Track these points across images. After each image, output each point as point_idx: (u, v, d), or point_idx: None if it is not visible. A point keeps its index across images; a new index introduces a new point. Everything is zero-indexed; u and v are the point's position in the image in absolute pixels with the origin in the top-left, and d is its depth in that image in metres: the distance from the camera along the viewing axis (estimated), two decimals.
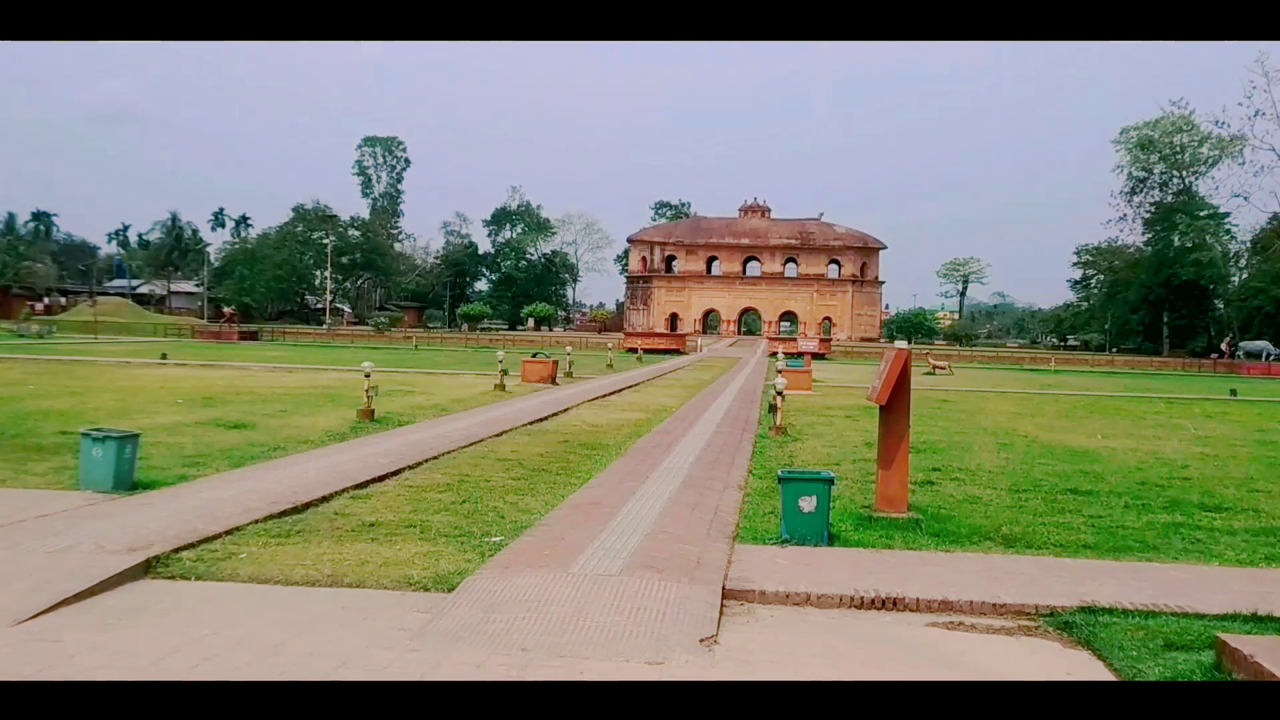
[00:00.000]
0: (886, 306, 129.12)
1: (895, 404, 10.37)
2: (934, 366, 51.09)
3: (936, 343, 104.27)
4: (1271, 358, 71.20)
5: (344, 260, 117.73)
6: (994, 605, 7.42)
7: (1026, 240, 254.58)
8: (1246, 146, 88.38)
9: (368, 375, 19.04)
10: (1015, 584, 7.93)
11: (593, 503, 10.70)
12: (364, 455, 13.54)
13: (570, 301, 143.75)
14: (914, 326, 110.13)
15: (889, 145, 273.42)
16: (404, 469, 12.66)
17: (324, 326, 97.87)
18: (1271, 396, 37.49)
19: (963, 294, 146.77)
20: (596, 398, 25.95)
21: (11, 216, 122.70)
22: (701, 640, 6.42)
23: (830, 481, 9.34)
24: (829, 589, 7.64)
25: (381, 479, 11.91)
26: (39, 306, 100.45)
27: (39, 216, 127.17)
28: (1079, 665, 6.37)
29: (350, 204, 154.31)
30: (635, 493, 11.38)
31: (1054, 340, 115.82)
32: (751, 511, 10.68)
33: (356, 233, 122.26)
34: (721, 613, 7.13)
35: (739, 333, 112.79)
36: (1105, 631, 6.83)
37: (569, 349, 40.47)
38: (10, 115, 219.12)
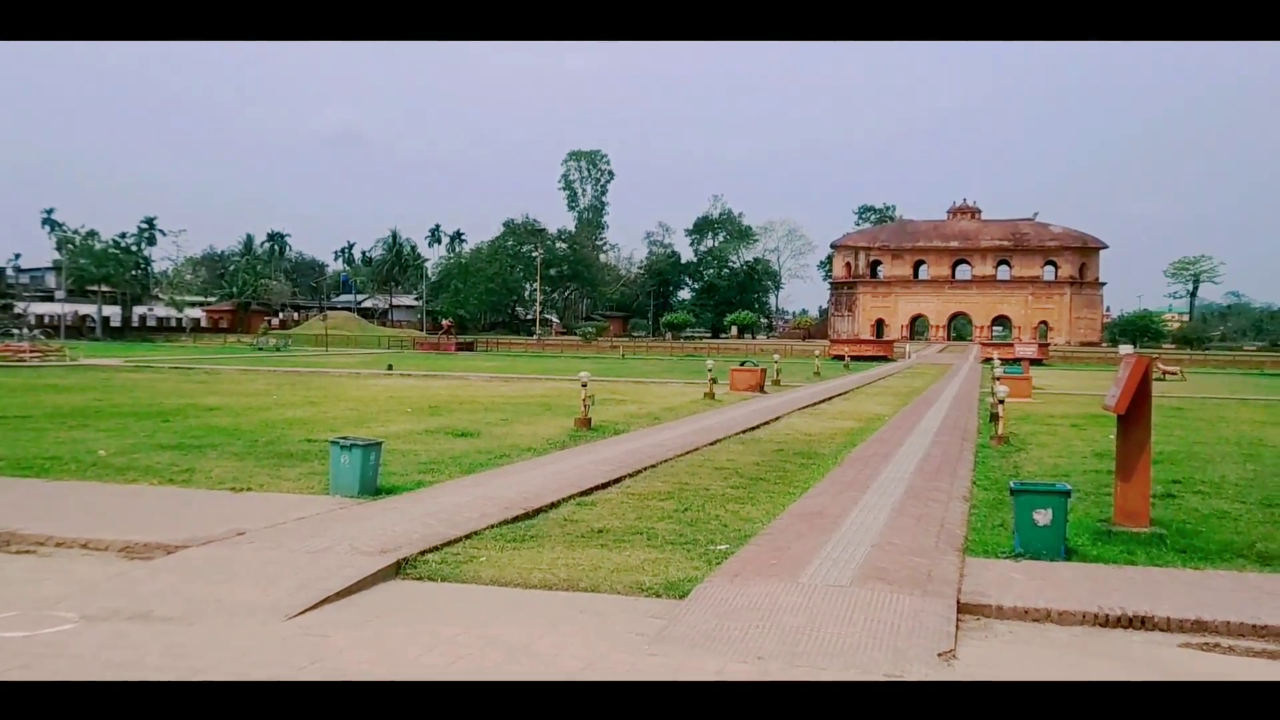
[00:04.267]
0: (1108, 309, 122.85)
1: (1135, 413, 9.90)
2: (1164, 371, 48.32)
3: (1165, 346, 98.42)
4: None
5: (552, 272, 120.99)
6: (1253, 627, 6.99)
7: (1264, 236, 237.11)
8: None
9: (584, 385, 19.52)
10: (1276, 605, 7.44)
11: (815, 512, 10.65)
12: (585, 463, 13.90)
13: (773, 308, 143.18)
14: (1139, 329, 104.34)
15: (1107, 140, 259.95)
16: (624, 476, 12.93)
17: (534, 337, 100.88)
18: None
19: (1193, 294, 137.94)
20: (807, 406, 25.77)
21: (250, 238, 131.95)
22: (940, 654, 6.31)
23: (1067, 494, 9.00)
24: (1070, 605, 7.37)
25: (604, 486, 12.20)
26: (275, 321, 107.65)
27: (274, 237, 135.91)
28: None
29: (557, 217, 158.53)
30: (857, 503, 11.26)
31: None
32: (979, 524, 10.39)
33: (564, 245, 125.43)
34: (958, 626, 6.98)
35: (949, 338, 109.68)
36: None
37: (776, 356, 40.31)
38: (249, 143, 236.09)
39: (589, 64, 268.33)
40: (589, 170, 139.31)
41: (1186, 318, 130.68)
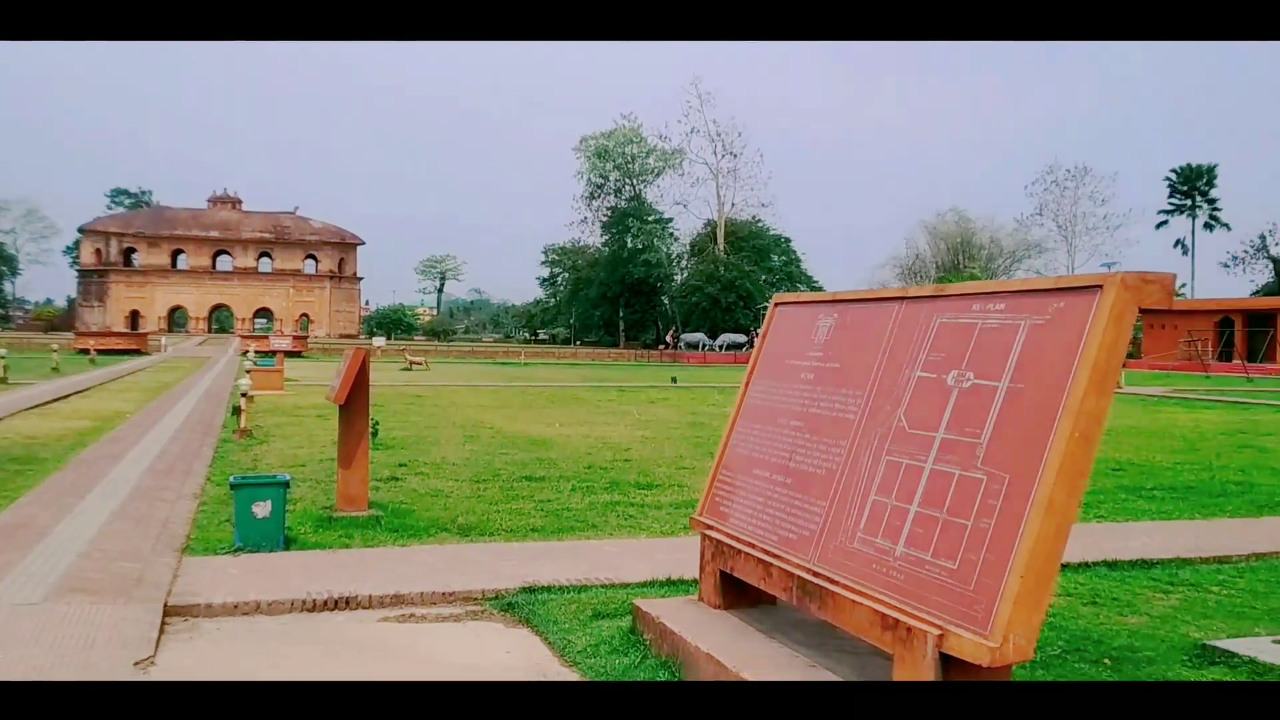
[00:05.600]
0: (367, 303, 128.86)
1: (354, 402, 10.43)
2: (411, 362, 51.77)
3: (416, 338, 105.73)
4: (707, 348, 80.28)
5: None
6: (444, 594, 7.73)
7: (498, 239, 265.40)
8: (685, 160, 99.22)
9: None
10: (466, 572, 8.31)
11: (18, 524, 9.63)
12: None
13: (10, 297, 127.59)
14: (394, 322, 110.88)
15: (362, 139, 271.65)
16: None
17: None
18: (705, 383, 42.31)
19: (440, 290, 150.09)
20: (36, 405, 23.30)
21: None
22: (136, 664, 6.05)
23: (285, 485, 9.18)
24: (281, 595, 7.52)
25: None
26: None
27: None
28: (518, 642, 6.84)
29: None
30: (73, 509, 10.41)
31: (526, 335, 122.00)
32: (206, 521, 10.20)
33: None
34: (162, 631, 6.76)
35: (210, 331, 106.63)
36: (543, 608, 7.37)
37: (3, 351, 35.89)
38: None
39: None
40: None
41: (435, 312, 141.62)
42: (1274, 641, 6.69)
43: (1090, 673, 6.11)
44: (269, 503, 8.93)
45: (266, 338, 73.12)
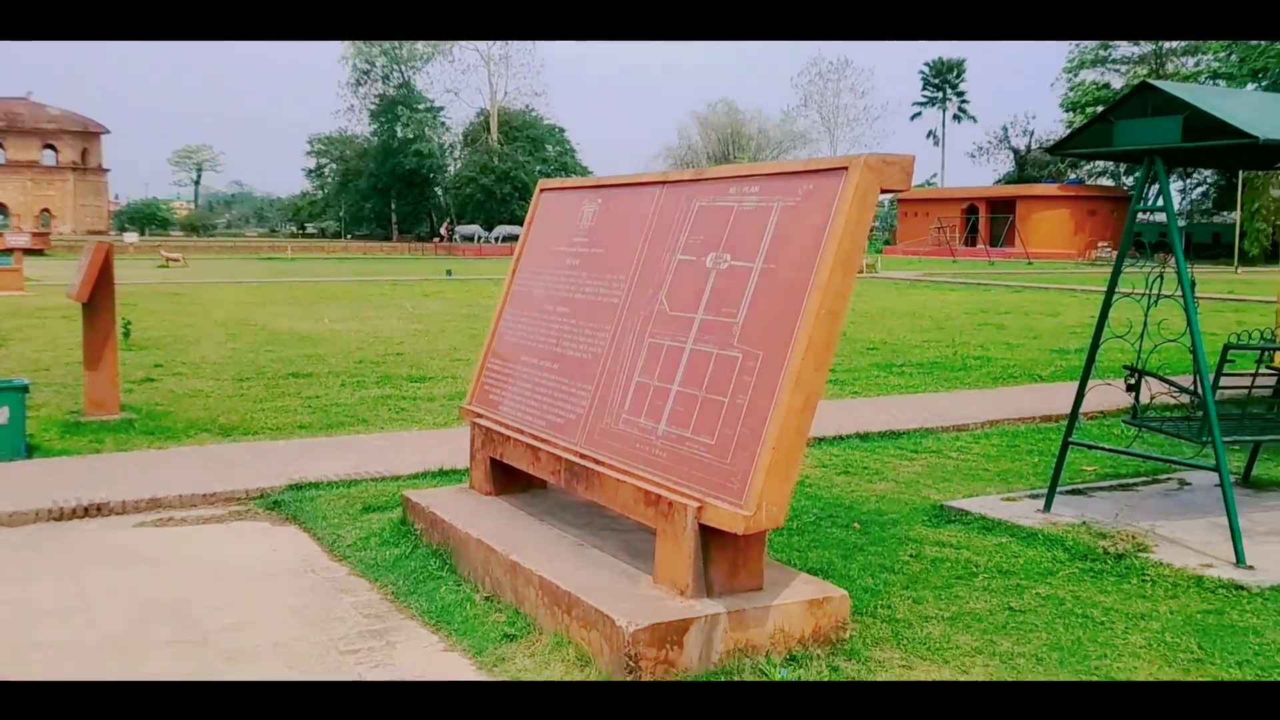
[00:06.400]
0: (116, 197, 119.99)
1: (98, 299, 9.78)
2: (168, 259, 48.89)
3: (173, 234, 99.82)
4: (483, 240, 79.35)
5: None
6: (204, 496, 7.45)
7: (260, 129, 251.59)
8: (455, 46, 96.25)
9: None
10: (228, 472, 8.03)
11: None
12: None
13: None
14: (147, 218, 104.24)
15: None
16: None
17: None
18: (480, 275, 41.86)
19: (197, 183, 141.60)
20: None
21: None
22: None
23: (24, 389, 8.56)
24: (23, 505, 7.06)
25: None
26: None
27: None
28: (285, 540, 6.69)
29: None
30: None
31: (293, 229, 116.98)
32: None
33: None
34: None
35: None
36: (311, 505, 7.23)
37: None
38: None
39: None
40: None
41: (193, 205, 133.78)
42: (1002, 499, 7.30)
43: (841, 536, 6.51)
44: (5, 409, 8.31)
45: (2, 235, 67.26)
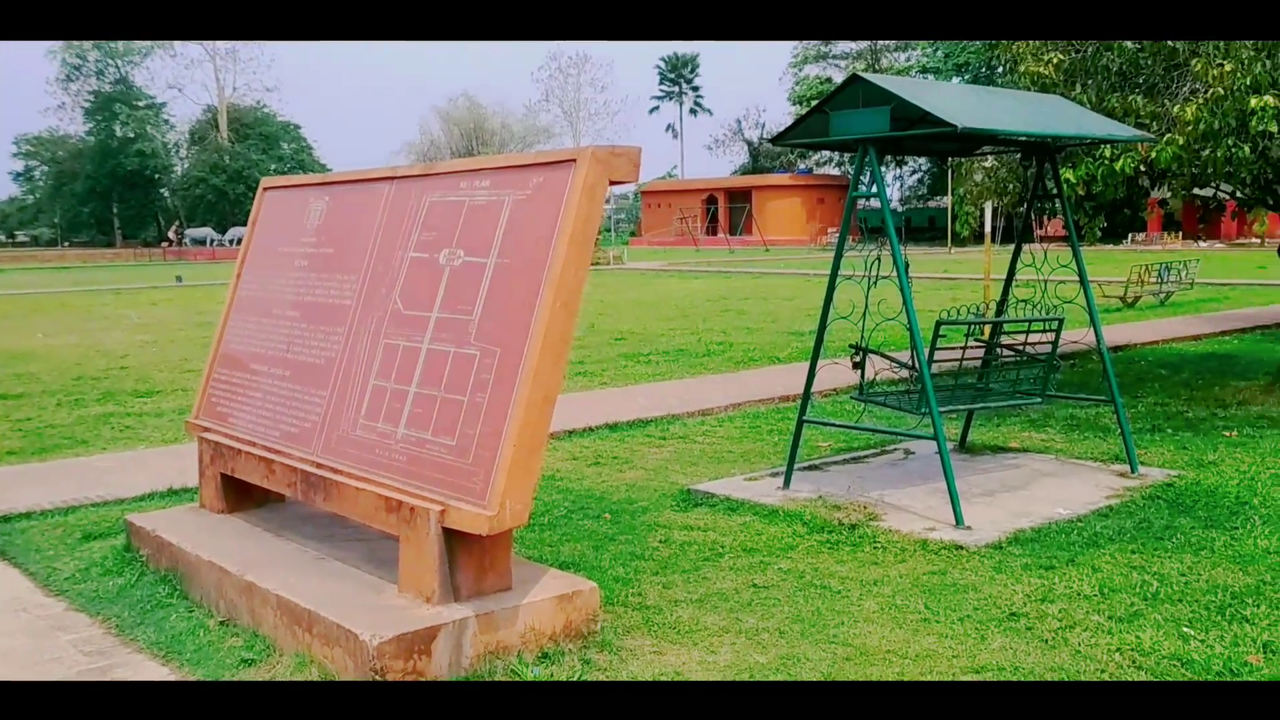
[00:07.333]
0: None
1: None
2: None
3: None
4: (216, 243, 75.45)
5: None
6: None
7: None
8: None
9: None
10: None
11: None
12: None
13: None
14: None
15: None
16: None
17: None
18: (214, 280, 39.72)
19: None
20: None
21: None
22: None
23: None
24: None
25: None
26: None
27: None
28: None
29: None
30: None
31: (2, 237, 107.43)
32: None
33: None
34: None
35: None
36: (21, 537, 6.64)
37: None
38: None
39: None
40: None
41: None
42: (746, 480, 7.54)
43: (593, 527, 6.54)
44: None
45: None
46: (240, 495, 6.09)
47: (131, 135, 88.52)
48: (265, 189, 6.85)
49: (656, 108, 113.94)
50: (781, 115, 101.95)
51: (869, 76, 6.81)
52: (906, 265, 6.59)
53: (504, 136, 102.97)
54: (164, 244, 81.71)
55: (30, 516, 7.05)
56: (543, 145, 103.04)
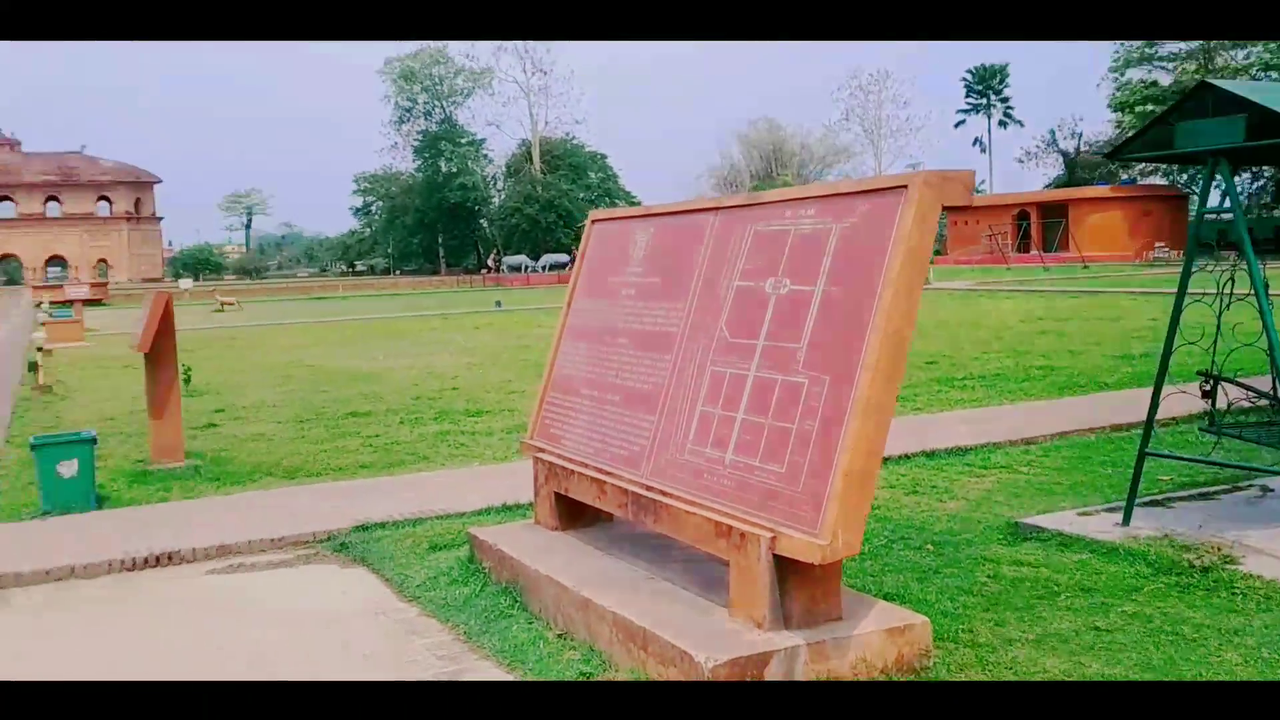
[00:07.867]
0: (169, 244, 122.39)
1: (160, 349, 9.92)
2: (222, 303, 49.65)
3: (227, 278, 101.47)
4: (530, 269, 79.77)
5: None
6: (273, 540, 7.49)
7: (306, 170, 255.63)
8: (494, 79, 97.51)
9: None
10: (294, 515, 8.06)
11: None
12: None
13: None
14: (200, 263, 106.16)
15: (148, 72, 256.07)
16: None
17: None
18: (530, 305, 42.07)
19: (248, 226, 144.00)
20: None
21: None
22: None
23: (92, 441, 8.67)
24: (96, 556, 7.13)
25: None
26: None
27: None
28: (354, 582, 6.70)
29: None
30: None
31: (343, 267, 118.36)
32: (9, 486, 9.58)
33: None
34: None
35: None
36: (377, 545, 7.24)
37: None
38: None
39: None
40: None
41: (245, 249, 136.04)
42: (1078, 514, 7.13)
43: (915, 559, 6.39)
44: (75, 461, 8.43)
45: (61, 286, 68.72)
46: (572, 513, 6.39)
47: (455, 170, 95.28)
48: (593, 221, 7.17)
49: (962, 121, 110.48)
50: (1101, 124, 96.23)
51: (1220, 83, 6.33)
52: (1266, 284, 6.05)
53: (803, 158, 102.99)
54: (483, 271, 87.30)
55: (384, 526, 7.69)
56: (843, 165, 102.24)
